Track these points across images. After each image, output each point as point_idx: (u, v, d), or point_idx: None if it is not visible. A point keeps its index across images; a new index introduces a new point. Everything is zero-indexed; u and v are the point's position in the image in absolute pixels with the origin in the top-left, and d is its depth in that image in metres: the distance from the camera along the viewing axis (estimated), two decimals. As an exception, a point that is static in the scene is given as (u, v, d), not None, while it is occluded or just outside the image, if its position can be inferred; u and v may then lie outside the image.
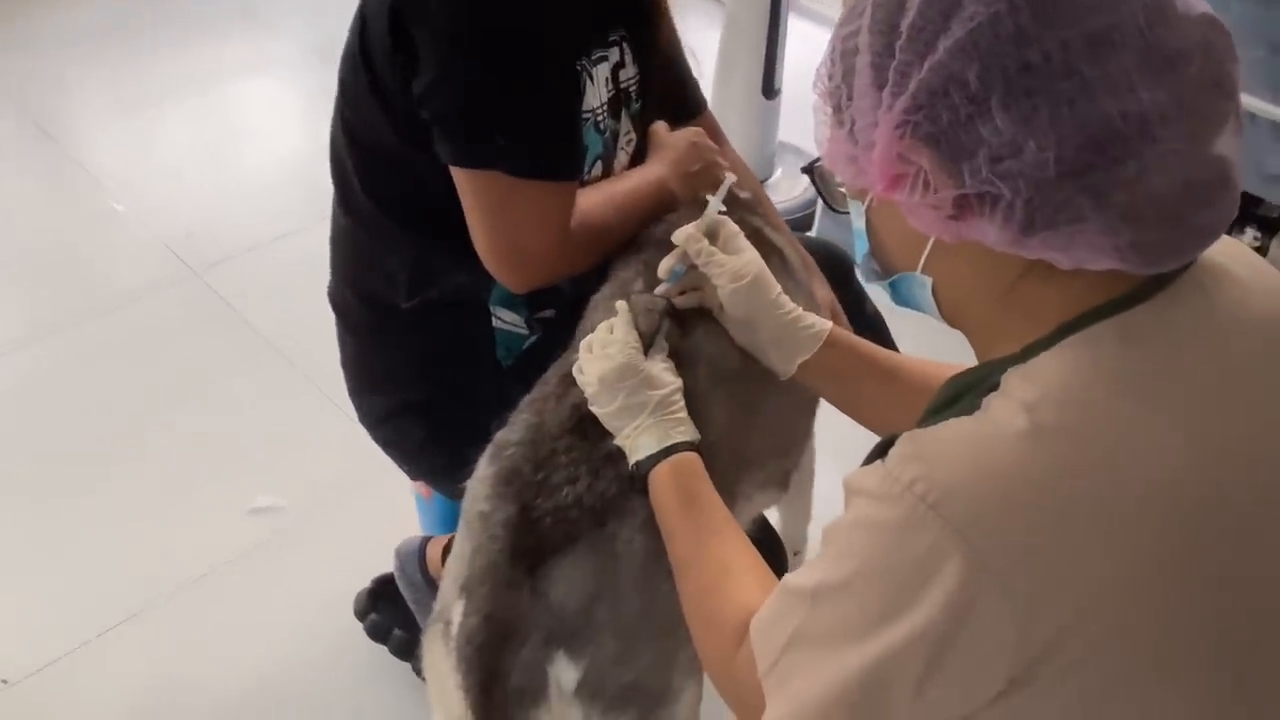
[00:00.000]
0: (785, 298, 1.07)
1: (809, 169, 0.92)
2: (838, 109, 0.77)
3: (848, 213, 0.88)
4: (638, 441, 1.00)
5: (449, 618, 1.06)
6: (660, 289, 1.10)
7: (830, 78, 0.78)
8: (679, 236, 1.08)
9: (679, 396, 1.03)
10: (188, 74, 2.91)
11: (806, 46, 2.89)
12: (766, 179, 2.54)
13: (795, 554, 1.70)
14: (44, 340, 2.13)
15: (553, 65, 1.14)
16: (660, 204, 1.23)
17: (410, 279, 1.27)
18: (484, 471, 1.08)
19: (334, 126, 1.29)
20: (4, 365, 2.07)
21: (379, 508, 1.76)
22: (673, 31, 1.37)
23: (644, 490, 1.02)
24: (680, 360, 1.08)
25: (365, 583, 1.61)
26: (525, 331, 1.33)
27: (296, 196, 2.43)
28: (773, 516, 1.45)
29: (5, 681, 1.56)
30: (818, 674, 0.76)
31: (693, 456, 1.00)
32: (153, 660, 1.61)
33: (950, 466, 0.70)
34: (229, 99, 2.90)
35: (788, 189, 2.54)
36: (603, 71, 1.24)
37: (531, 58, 1.11)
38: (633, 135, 1.33)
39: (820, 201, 2.37)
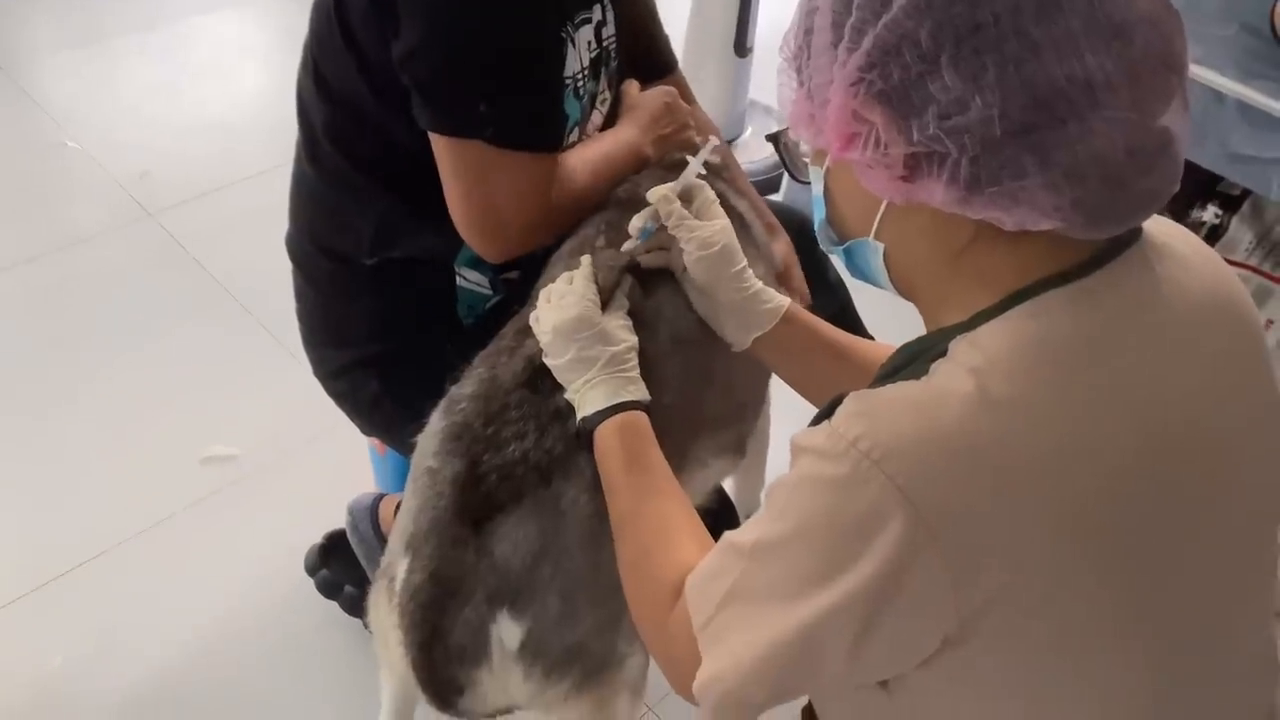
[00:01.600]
0: (749, 272, 1.07)
1: (774, 138, 0.92)
2: (799, 70, 0.78)
3: (808, 182, 0.88)
4: (586, 396, 1.00)
5: (394, 574, 1.06)
6: (628, 245, 1.09)
7: (795, 39, 0.79)
8: (654, 194, 1.07)
9: (633, 355, 1.03)
10: (148, 7, 2.83)
11: (780, 5, 2.87)
12: (737, 138, 2.52)
13: (748, 517, 1.71)
14: (-9, 279, 2.08)
15: (537, 34, 1.12)
16: (634, 168, 1.22)
17: (375, 237, 1.25)
18: (435, 426, 1.07)
19: (302, 75, 1.25)
20: (-51, 304, 2.03)
21: (334, 460, 1.74)
22: None
23: (591, 448, 1.01)
24: (640, 320, 1.07)
25: (317, 536, 1.60)
26: (489, 292, 1.31)
27: (256, 140, 2.37)
28: (727, 483, 1.45)
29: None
30: (754, 630, 0.77)
31: (640, 416, 1.00)
32: (102, 608, 1.59)
33: (895, 425, 0.71)
34: (191, 35, 2.82)
35: (758, 148, 2.52)
36: (585, 34, 1.22)
37: (516, 26, 1.08)
38: (607, 94, 1.31)
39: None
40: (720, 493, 1.42)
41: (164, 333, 1.99)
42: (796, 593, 0.74)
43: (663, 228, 1.08)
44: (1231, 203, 2.18)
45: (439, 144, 1.11)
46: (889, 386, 0.74)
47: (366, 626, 1.51)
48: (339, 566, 1.57)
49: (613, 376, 1.00)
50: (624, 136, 1.23)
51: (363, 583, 1.53)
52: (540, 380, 1.04)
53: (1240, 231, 2.20)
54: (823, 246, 0.89)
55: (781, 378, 1.13)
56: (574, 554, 1.02)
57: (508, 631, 1.01)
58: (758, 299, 1.07)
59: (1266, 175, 1.79)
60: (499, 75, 1.09)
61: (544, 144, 1.13)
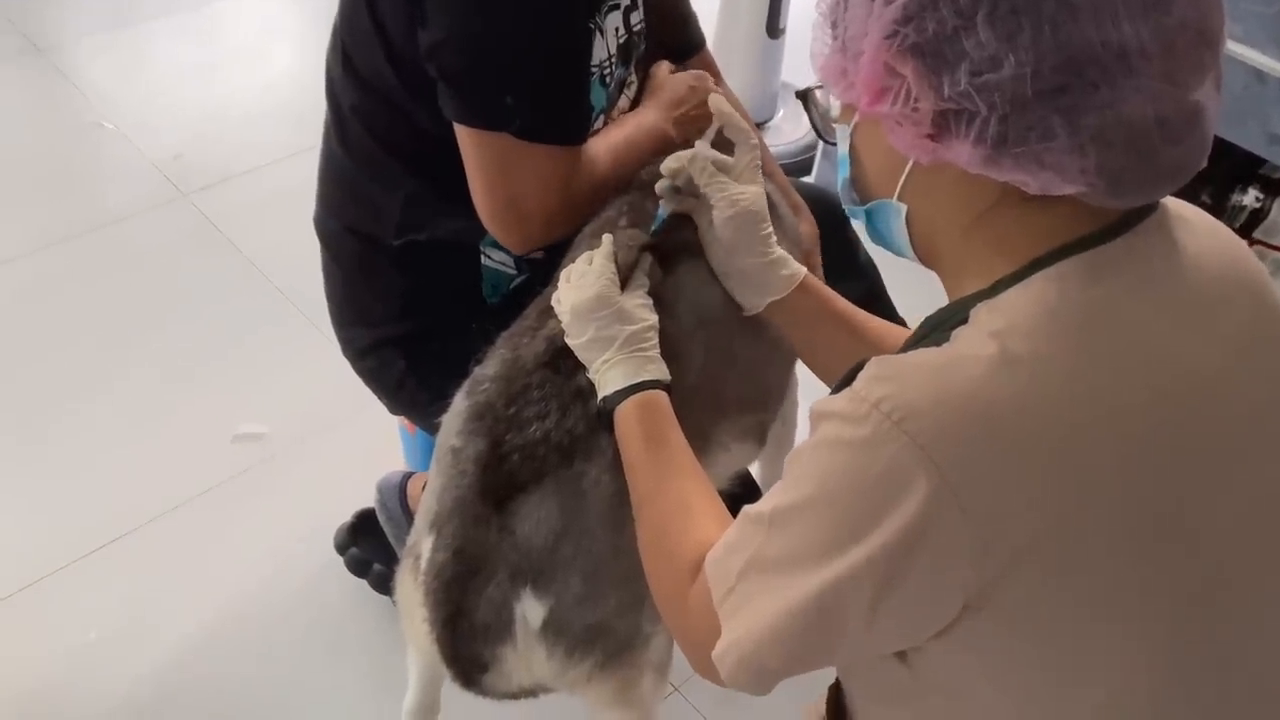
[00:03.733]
0: (773, 239, 1.07)
1: (803, 94, 0.91)
2: (835, 23, 0.78)
3: (834, 143, 0.88)
4: (606, 376, 1.00)
5: (419, 552, 1.07)
6: (658, 185, 1.09)
7: None
8: (689, 154, 1.07)
9: (653, 334, 1.02)
10: None
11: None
12: (768, 120, 2.50)
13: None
14: (27, 258, 2.10)
15: (566, 26, 1.11)
16: (658, 151, 1.20)
17: (401, 219, 1.25)
18: (458, 406, 1.07)
19: (331, 58, 1.25)
20: (-13, 282, 2.05)
21: (364, 438, 1.75)
22: None
23: (612, 428, 1.01)
24: (661, 300, 1.07)
25: (347, 515, 1.61)
26: (514, 271, 1.31)
27: (289, 121, 2.39)
28: (757, 473, 1.44)
29: (-16, 600, 1.57)
30: (772, 596, 0.77)
31: (661, 395, 0.99)
32: (135, 584, 1.62)
33: (918, 387, 0.71)
34: (224, 17, 2.83)
35: (790, 131, 2.50)
36: (614, 20, 1.21)
37: (545, 19, 1.08)
38: (634, 79, 1.30)
39: (819, 140, 2.35)
40: (745, 476, 1.42)
41: (196, 312, 2.01)
42: (817, 556, 0.74)
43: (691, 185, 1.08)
44: (1273, 186, 2.14)
45: (464, 135, 1.11)
46: (911, 352, 0.74)
47: (395, 604, 1.53)
48: (368, 545, 1.58)
49: (631, 356, 1.00)
50: (646, 119, 1.22)
51: (392, 561, 1.54)
52: (562, 360, 1.04)
53: (1282, 215, 2.16)
54: (845, 206, 0.89)
55: (792, 343, 1.13)
56: (596, 534, 1.02)
57: (531, 609, 1.01)
58: (778, 264, 1.07)
59: (1309, 157, 1.76)
60: (526, 68, 1.08)
61: (569, 137, 1.13)
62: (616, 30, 1.21)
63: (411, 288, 1.31)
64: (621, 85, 1.27)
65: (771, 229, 1.07)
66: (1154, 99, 0.68)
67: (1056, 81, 0.68)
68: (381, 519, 1.53)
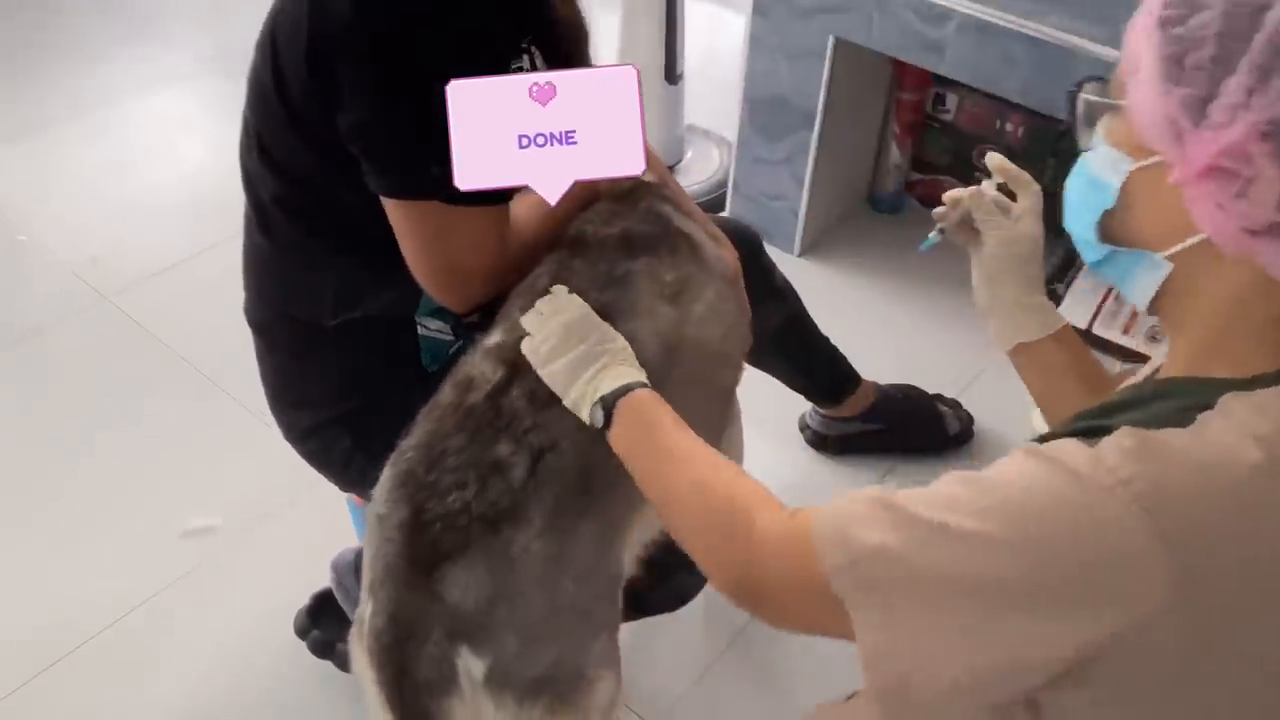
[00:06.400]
0: (1040, 283, 1.10)
1: (1075, 89, 0.83)
2: (1182, 63, 0.69)
3: (1081, 151, 0.84)
4: (602, 379, 1.03)
5: (363, 617, 1.09)
6: (935, 212, 1.16)
7: (1193, 18, 0.69)
8: (971, 191, 1.11)
9: (631, 351, 1.07)
10: (83, 93, 2.84)
11: (702, 32, 2.93)
12: (677, 163, 2.56)
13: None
14: (-47, 378, 2.08)
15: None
16: (583, 202, 1.25)
17: (336, 299, 1.27)
18: (384, 474, 1.11)
19: (244, 152, 1.27)
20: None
21: (315, 520, 1.75)
22: (578, 22, 1.38)
23: (542, 499, 1.05)
24: None
25: (305, 597, 1.61)
26: (451, 338, 1.34)
27: (204, 214, 2.39)
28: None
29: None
30: (939, 614, 0.73)
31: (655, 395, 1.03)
32: (97, 693, 1.59)
33: (1175, 478, 0.67)
34: (128, 117, 2.83)
35: (699, 171, 2.57)
36: None
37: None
38: None
39: (727, 180, 2.40)
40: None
41: (131, 412, 2.00)
42: (1006, 603, 0.70)
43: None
44: None
45: (393, 207, 1.14)
46: (1165, 432, 0.69)
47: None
48: (329, 625, 1.58)
49: (624, 363, 1.05)
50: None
51: (354, 638, 1.54)
52: (481, 429, 1.08)
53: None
54: (1074, 232, 0.85)
55: (1029, 388, 1.13)
56: (531, 594, 1.05)
57: (472, 665, 1.04)
58: (1040, 310, 1.09)
59: None
60: (447, 138, 1.11)
61: (496, 196, 1.16)
62: None
63: (351, 366, 1.33)
64: None
65: (1040, 274, 1.10)
66: None
67: None
68: (339, 597, 1.54)
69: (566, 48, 1.35)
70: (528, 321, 1.08)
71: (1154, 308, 0.80)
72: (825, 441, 1.92)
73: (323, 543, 1.61)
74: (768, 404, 1.86)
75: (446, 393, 1.13)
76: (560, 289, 1.10)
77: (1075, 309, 2.16)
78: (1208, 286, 0.76)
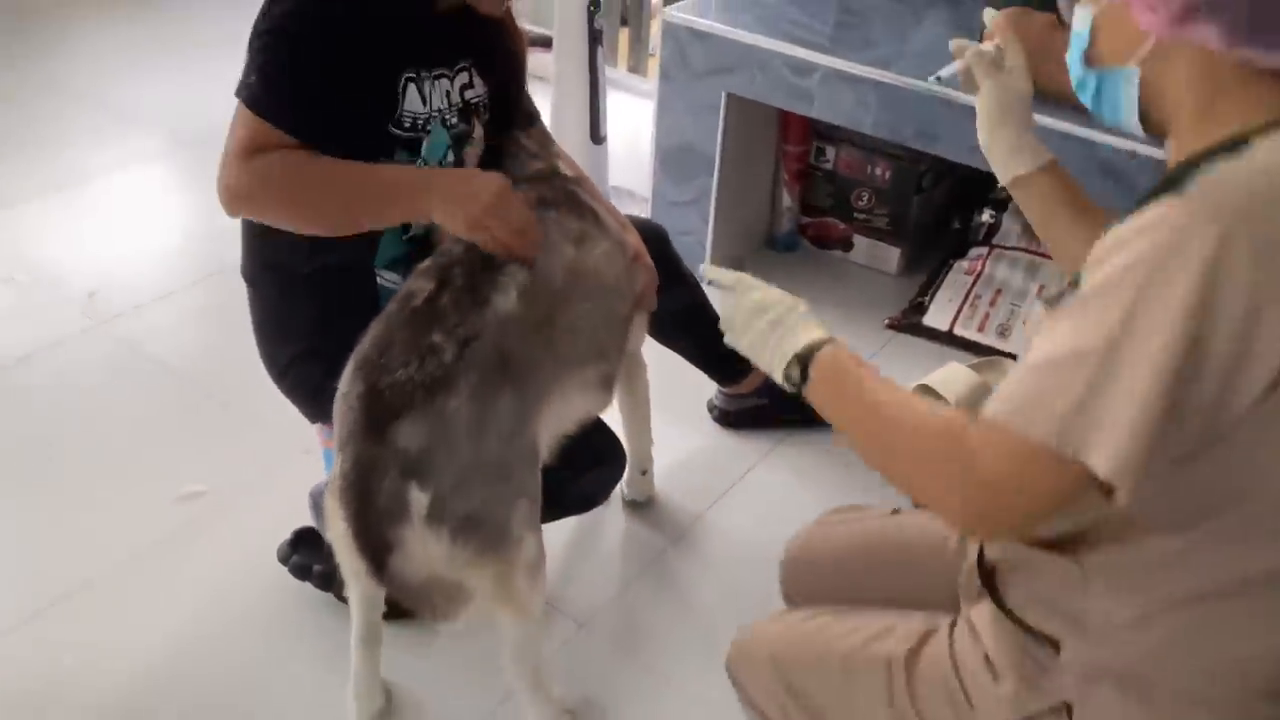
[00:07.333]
0: (1030, 126, 1.26)
1: None
2: None
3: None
4: (797, 334, 1.10)
5: (334, 473, 1.39)
6: (946, 69, 1.36)
7: None
8: (971, 51, 1.27)
9: (801, 308, 1.15)
10: (69, 171, 3.13)
11: (622, 101, 3.37)
12: (602, 213, 2.95)
13: (644, 473, 2.07)
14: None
15: (317, 46, 1.45)
16: (404, 212, 1.54)
17: (310, 248, 1.59)
18: (347, 367, 1.43)
19: None
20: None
21: (287, 488, 2.00)
22: (516, 60, 1.76)
23: (468, 374, 1.36)
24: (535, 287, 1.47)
25: (280, 543, 1.88)
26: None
27: (190, 255, 2.71)
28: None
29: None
30: (1128, 401, 0.83)
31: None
32: (109, 618, 1.84)
33: (1245, 186, 0.84)
34: (112, 188, 3.09)
35: (621, 220, 2.96)
36: (443, 85, 1.59)
37: (305, 39, 1.45)
38: (477, 138, 1.68)
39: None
40: (604, 425, 1.77)
41: (132, 420, 2.28)
42: (1139, 343, 0.83)
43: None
44: (1000, 205, 2.69)
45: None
46: (1220, 166, 0.86)
47: (339, 598, 1.81)
48: (305, 552, 1.85)
49: (806, 323, 1.12)
50: (417, 186, 1.50)
51: (328, 560, 1.80)
52: (419, 326, 1.40)
53: (1010, 224, 2.70)
54: (1072, 74, 1.05)
55: (1030, 219, 1.30)
56: (460, 445, 1.37)
57: (417, 498, 1.34)
58: (1031, 149, 1.26)
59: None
60: (271, 66, 1.45)
61: (267, 112, 1.44)
62: (447, 94, 1.60)
63: (322, 308, 1.65)
64: (463, 137, 1.64)
65: (1031, 120, 1.27)
66: None
67: None
68: (316, 522, 1.82)
69: (503, 74, 1.74)
70: (722, 307, 1.19)
71: (1145, 124, 0.99)
72: (728, 417, 2.27)
73: (295, 506, 1.89)
74: (682, 392, 2.24)
75: (391, 305, 1.47)
76: (745, 279, 1.19)
77: (939, 315, 2.56)
78: (1174, 80, 0.94)
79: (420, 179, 1.52)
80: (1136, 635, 0.99)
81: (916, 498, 1.00)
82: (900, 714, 1.14)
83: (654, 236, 1.93)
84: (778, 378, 1.11)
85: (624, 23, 3.72)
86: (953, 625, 1.16)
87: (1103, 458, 0.85)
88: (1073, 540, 1.02)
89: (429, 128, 1.58)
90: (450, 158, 1.64)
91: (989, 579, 1.13)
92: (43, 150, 3.23)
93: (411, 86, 1.56)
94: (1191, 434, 0.85)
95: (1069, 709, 1.04)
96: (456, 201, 1.48)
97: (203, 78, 3.47)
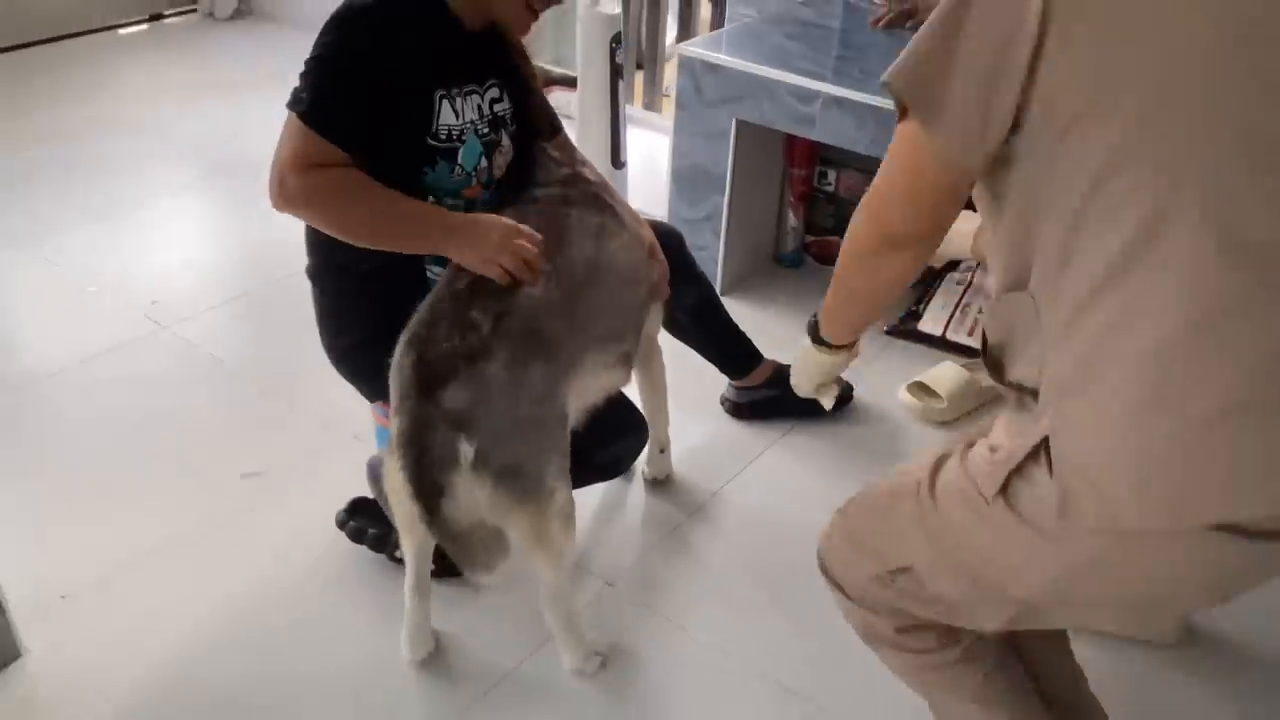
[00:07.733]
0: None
1: None
2: None
3: None
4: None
5: (393, 433, 1.60)
6: None
7: None
8: None
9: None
10: (127, 196, 3.40)
11: (639, 130, 3.62)
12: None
13: (662, 451, 2.29)
14: (75, 369, 2.58)
15: (365, 64, 1.64)
16: (426, 248, 1.75)
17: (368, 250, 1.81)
18: (399, 342, 1.66)
19: None
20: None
21: (335, 470, 2.24)
22: (535, 80, 1.99)
23: (503, 344, 1.59)
24: (559, 265, 1.71)
25: (334, 514, 2.09)
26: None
27: (243, 268, 2.96)
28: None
29: (64, 596, 1.98)
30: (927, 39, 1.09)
31: None
32: (191, 571, 2.05)
33: None
34: (165, 211, 3.36)
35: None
36: (474, 100, 1.81)
37: (354, 56, 1.64)
38: (505, 146, 1.89)
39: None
40: (630, 404, 2.00)
41: (192, 408, 2.51)
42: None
43: None
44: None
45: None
46: None
47: (391, 558, 2.01)
48: (361, 518, 2.06)
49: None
50: (434, 226, 1.71)
51: (382, 524, 2.01)
52: (460, 306, 1.63)
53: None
54: None
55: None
56: (499, 405, 1.60)
57: (465, 449, 1.56)
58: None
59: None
60: (323, 83, 1.65)
61: (320, 125, 1.61)
62: (478, 108, 1.82)
63: (379, 300, 1.84)
64: (494, 145, 1.86)
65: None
66: None
67: None
68: (373, 490, 2.01)
69: (521, 89, 1.96)
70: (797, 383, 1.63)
71: None
72: (739, 409, 2.49)
73: (344, 483, 2.10)
74: (698, 388, 2.48)
75: (436, 291, 1.70)
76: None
77: (932, 321, 2.78)
78: None
79: (443, 224, 1.73)
80: (1069, 343, 1.05)
81: (867, 251, 1.25)
82: (930, 533, 1.24)
83: (671, 237, 2.16)
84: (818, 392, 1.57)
85: (639, 66, 3.99)
86: (969, 445, 1.24)
87: (899, 81, 1.10)
88: (1017, 273, 1.13)
89: (464, 138, 1.80)
90: (483, 163, 1.85)
91: (996, 368, 1.21)
92: (106, 180, 3.51)
93: (445, 102, 1.77)
94: (981, 114, 1.05)
95: (1045, 442, 1.09)
96: (470, 246, 1.69)
97: (239, 113, 3.80)
